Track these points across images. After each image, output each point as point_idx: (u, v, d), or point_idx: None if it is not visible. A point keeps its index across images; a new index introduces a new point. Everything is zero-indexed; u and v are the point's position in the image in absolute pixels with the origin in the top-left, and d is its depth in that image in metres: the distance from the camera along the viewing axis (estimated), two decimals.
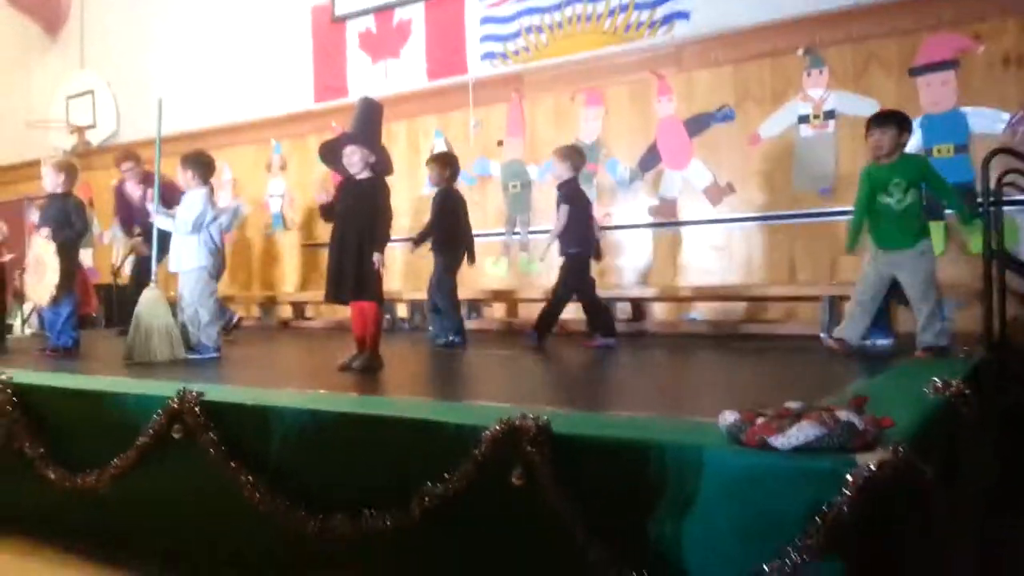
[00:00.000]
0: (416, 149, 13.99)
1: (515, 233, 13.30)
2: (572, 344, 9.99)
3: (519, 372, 7.67)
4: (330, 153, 8.09)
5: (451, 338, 10.20)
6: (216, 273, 9.37)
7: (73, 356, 9.71)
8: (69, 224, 10.10)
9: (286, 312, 15.14)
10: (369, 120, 8.03)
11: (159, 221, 9.38)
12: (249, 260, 16.23)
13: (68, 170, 10.32)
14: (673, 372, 7.64)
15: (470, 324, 11.92)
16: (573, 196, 9.94)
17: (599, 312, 9.95)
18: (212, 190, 9.51)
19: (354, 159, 7.92)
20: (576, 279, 9.85)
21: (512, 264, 13.28)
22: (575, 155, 10.17)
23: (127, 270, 13.56)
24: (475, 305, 13.01)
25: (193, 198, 9.31)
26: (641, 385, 6.76)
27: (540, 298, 11.34)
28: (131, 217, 12.94)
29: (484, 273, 13.16)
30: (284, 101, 15.69)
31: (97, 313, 15.83)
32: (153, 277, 9.42)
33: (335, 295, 7.85)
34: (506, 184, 13.32)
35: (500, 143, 13.36)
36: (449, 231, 10.37)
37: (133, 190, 12.86)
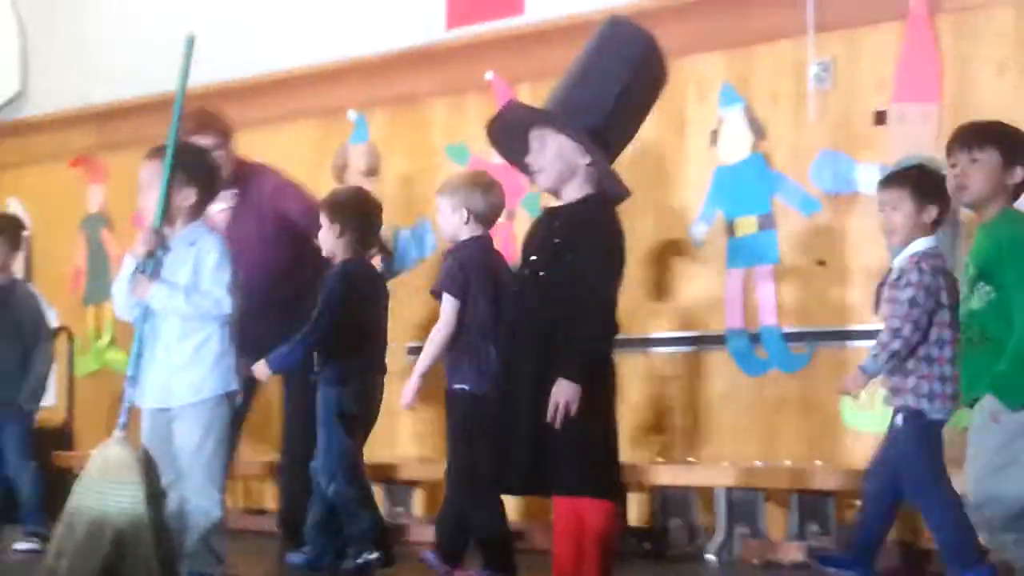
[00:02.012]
0: (674, 126, 7.53)
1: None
2: None
3: None
4: (510, 137, 4.62)
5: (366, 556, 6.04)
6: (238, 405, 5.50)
7: None
8: None
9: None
10: (608, 77, 4.45)
11: (153, 292, 5.18)
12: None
13: None
14: None
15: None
16: (464, 275, 5.72)
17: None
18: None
19: (544, 158, 4.48)
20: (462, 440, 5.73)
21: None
22: (476, 186, 5.91)
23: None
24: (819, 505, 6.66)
25: (203, 241, 5.32)
26: None
27: None
28: None
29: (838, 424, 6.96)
30: (375, 29, 8.87)
31: None
32: (122, 419, 5.14)
33: (499, 475, 4.59)
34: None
35: (880, 117, 6.93)
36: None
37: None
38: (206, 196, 5.44)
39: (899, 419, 5.37)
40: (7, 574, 7.09)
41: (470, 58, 8.31)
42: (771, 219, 7.26)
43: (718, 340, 7.39)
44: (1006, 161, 4.59)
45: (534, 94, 7.27)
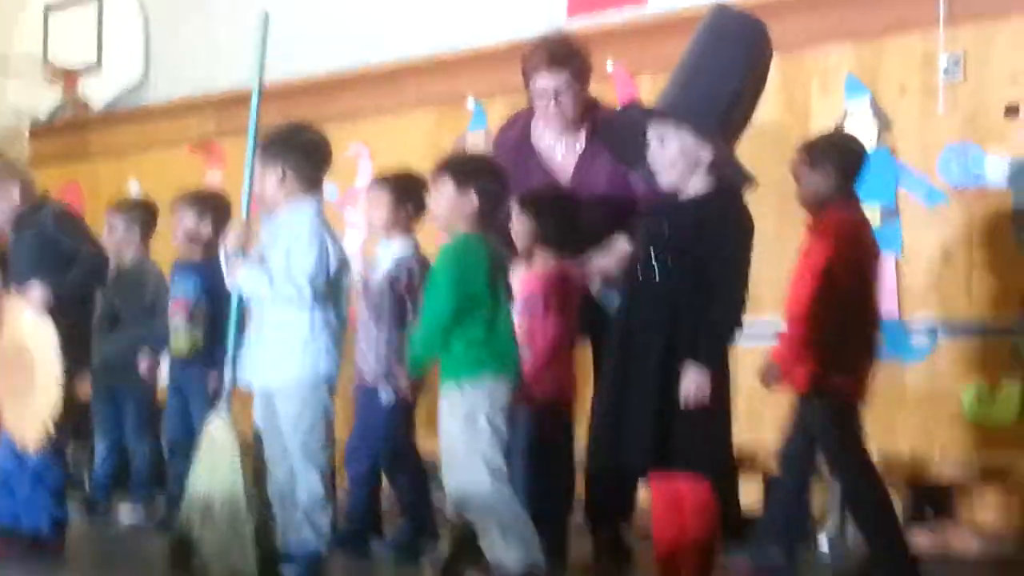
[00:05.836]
0: (798, 117, 7.44)
1: None
2: None
3: None
4: (621, 140, 4.75)
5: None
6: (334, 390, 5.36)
7: (51, 558, 6.07)
8: (61, 261, 5.90)
9: None
10: (724, 67, 4.41)
11: (243, 277, 5.25)
12: None
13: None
14: None
15: None
16: None
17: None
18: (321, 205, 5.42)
19: (666, 156, 4.44)
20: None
21: None
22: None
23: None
24: None
25: (295, 223, 5.29)
26: None
27: None
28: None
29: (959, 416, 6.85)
30: (496, 18, 8.87)
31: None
32: (225, 394, 5.38)
33: (608, 455, 4.55)
34: None
35: (1012, 111, 6.73)
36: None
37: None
38: (303, 173, 5.40)
39: None
40: (113, 540, 7.30)
41: (591, 48, 8.17)
42: (895, 210, 7.09)
43: None
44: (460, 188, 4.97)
45: (655, 85, 7.15)
